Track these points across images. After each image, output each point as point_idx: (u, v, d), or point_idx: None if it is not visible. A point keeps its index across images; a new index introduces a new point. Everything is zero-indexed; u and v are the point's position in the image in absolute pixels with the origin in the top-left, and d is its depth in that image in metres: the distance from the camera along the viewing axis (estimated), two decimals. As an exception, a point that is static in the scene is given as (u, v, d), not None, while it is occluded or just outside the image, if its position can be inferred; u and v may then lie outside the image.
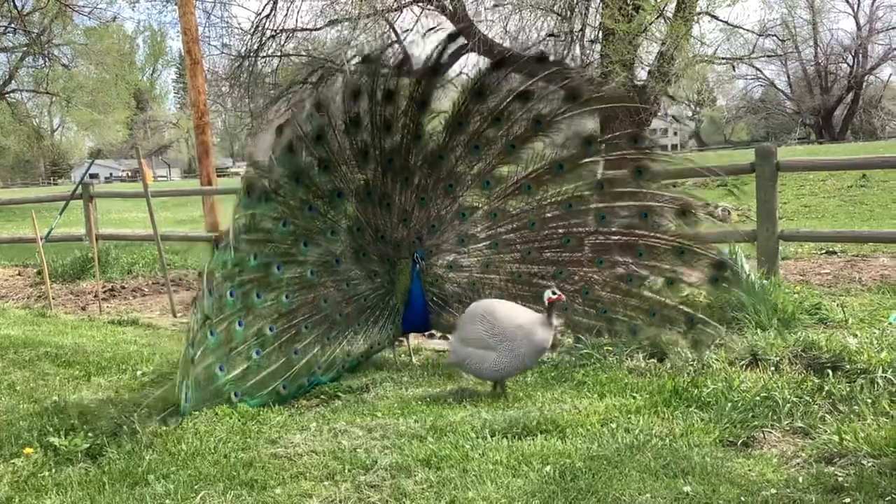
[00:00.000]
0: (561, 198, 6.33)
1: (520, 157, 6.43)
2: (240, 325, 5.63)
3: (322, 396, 5.75)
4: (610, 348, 6.16)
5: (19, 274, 13.95)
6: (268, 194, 5.91)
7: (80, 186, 13.15)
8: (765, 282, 7.44)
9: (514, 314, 5.46)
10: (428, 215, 6.43)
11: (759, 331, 6.48)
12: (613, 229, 6.22)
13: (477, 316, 5.50)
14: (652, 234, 6.10)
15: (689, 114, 67.16)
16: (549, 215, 6.35)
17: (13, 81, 40.53)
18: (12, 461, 4.63)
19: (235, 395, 5.49)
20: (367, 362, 6.61)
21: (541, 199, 6.38)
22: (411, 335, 7.05)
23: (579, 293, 6.25)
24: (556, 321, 5.40)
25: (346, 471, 4.27)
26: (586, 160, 6.29)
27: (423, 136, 6.35)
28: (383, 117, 6.22)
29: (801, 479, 3.88)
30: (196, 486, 4.16)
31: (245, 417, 5.22)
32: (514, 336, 5.31)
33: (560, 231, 6.31)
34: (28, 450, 4.75)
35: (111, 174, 79.62)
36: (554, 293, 5.26)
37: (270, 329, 5.78)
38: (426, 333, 7.52)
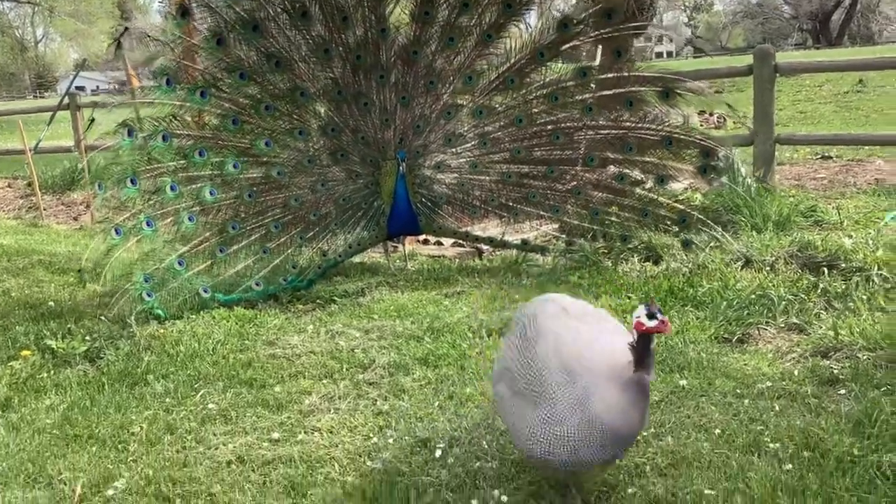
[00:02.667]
0: (546, 91, 6.14)
1: (498, 47, 6.20)
2: (190, 220, 5.68)
3: (318, 301, 5.75)
4: (605, 252, 6.15)
5: (9, 186, 13.83)
6: (203, 88, 5.81)
7: (66, 97, 12.90)
8: (760, 184, 7.40)
9: (578, 339, 2.72)
10: (411, 115, 6.27)
11: (754, 233, 6.46)
12: (601, 122, 6.08)
13: (521, 321, 2.94)
14: (640, 124, 5.97)
15: (685, 19, 65.89)
16: (535, 110, 6.18)
17: (-7, -9, 39.47)
18: (10, 364, 4.64)
19: (204, 290, 5.57)
20: (361, 268, 6.62)
21: (526, 93, 6.19)
22: (407, 241, 7.03)
23: (571, 194, 6.17)
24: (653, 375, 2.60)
25: (345, 370, 4.30)
26: (565, 46, 6.08)
27: (389, 28, 6.12)
28: (335, 7, 5.95)
29: (796, 372, 3.92)
30: (195, 385, 4.19)
31: (242, 321, 5.24)
32: (555, 393, 2.63)
33: (548, 127, 6.16)
34: (25, 352, 4.76)
35: (97, 87, 78.19)
36: (651, 314, 2.53)
37: (233, 227, 5.83)
38: (420, 239, 7.51)
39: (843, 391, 3.68)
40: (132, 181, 5.54)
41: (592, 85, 6.09)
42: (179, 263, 5.54)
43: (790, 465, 3.04)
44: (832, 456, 3.05)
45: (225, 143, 5.94)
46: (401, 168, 6.13)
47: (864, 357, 3.97)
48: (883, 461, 2.97)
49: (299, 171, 6.16)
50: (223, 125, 5.94)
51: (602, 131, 6.11)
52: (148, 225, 5.51)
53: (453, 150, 6.38)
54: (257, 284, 5.79)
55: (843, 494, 2.77)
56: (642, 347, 2.55)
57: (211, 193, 5.77)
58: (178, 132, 5.79)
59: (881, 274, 4.99)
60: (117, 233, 5.48)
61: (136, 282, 5.36)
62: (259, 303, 5.67)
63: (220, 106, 5.94)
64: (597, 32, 6.08)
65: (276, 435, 3.60)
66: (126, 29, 10.55)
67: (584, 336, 2.72)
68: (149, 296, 5.35)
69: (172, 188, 5.64)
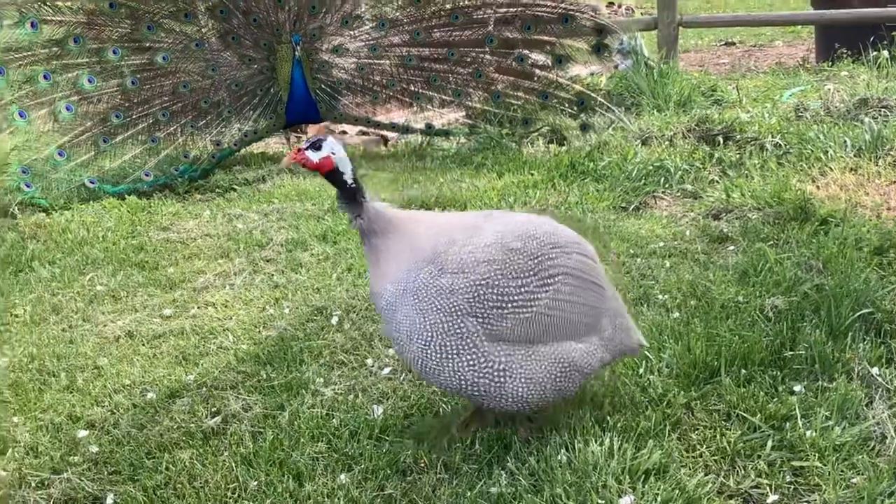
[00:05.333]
0: None
1: None
2: (68, 109, 5.43)
3: (217, 190, 5.59)
4: (509, 133, 6.11)
5: None
6: None
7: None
8: (663, 66, 7.43)
9: None
10: None
11: (656, 112, 6.52)
12: (500, 0, 5.95)
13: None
14: (537, 1, 5.80)
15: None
16: None
17: None
18: None
19: (91, 181, 5.39)
20: (263, 157, 6.45)
21: None
22: (310, 130, 6.85)
23: (473, 77, 6.07)
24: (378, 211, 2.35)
25: (241, 249, 4.20)
26: None
27: None
28: None
29: (688, 233, 4.00)
30: (84, 269, 4.05)
31: (135, 209, 5.07)
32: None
33: (447, 7, 5.98)
34: None
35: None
36: (316, 146, 2.34)
37: (116, 116, 5.58)
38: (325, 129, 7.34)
39: (731, 247, 3.77)
40: None
41: None
42: (60, 154, 5.34)
43: (677, 313, 3.12)
44: (717, 303, 3.14)
45: (102, 29, 5.62)
46: (296, 52, 5.91)
47: (754, 216, 4.07)
48: (765, 304, 3.07)
49: (187, 56, 5.88)
50: (101, 8, 5.59)
51: (500, 10, 5.98)
52: (21, 116, 5.28)
53: (351, 32, 6.17)
54: (147, 175, 5.60)
55: (726, 334, 2.84)
56: (339, 186, 2.34)
57: (90, 81, 5.49)
58: (48, 18, 5.45)
59: (774, 142, 5.10)
60: None
61: (12, 172, 5.19)
62: (154, 193, 5.48)
63: None
64: None
65: (167, 311, 3.51)
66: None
67: None
68: (28, 186, 5.18)
69: (46, 77, 5.36)
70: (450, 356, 2.23)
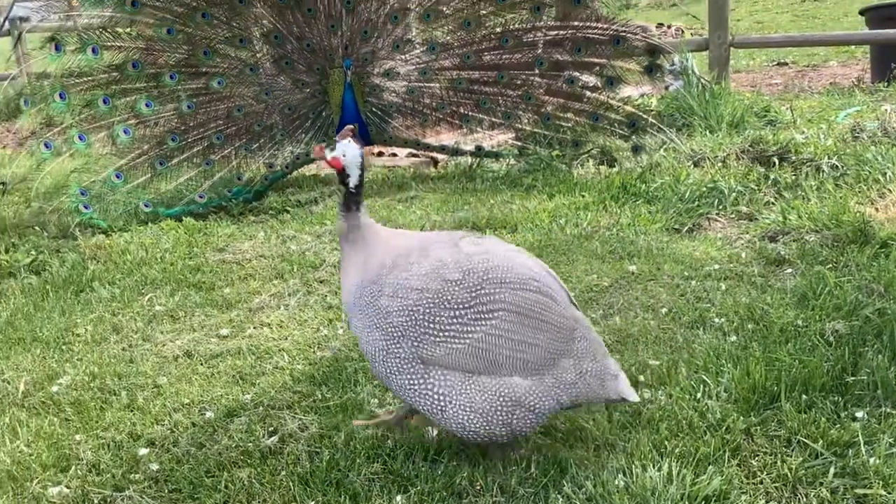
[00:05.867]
0: None
1: None
2: (126, 133, 5.55)
3: (270, 212, 5.66)
4: (560, 154, 6.11)
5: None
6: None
7: (5, 22, 12.42)
8: (715, 87, 7.37)
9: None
10: (358, 21, 6.04)
11: (708, 133, 6.47)
12: (550, 23, 5.95)
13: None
14: (588, 23, 5.82)
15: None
16: (483, 13, 5.99)
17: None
18: (-48, 278, 4.53)
19: (146, 205, 5.50)
20: (315, 179, 6.52)
21: None
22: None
23: (522, 99, 6.08)
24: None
25: (295, 270, 4.25)
26: None
27: None
28: None
29: (744, 255, 3.95)
30: (143, 290, 4.13)
31: (191, 231, 5.16)
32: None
33: (497, 30, 6.00)
34: (-33, 267, 4.64)
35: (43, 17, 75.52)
36: (332, 146, 2.47)
37: (173, 139, 5.68)
38: (375, 151, 7.40)
39: (789, 270, 3.72)
40: (61, 95, 5.40)
41: None
42: (117, 177, 5.46)
43: (734, 337, 3.08)
44: (776, 327, 3.09)
45: (160, 54, 5.76)
46: (348, 76, 5.99)
47: (812, 238, 4.01)
48: (826, 329, 3.01)
49: (242, 81, 5.99)
50: (159, 34, 5.73)
51: (550, 32, 5.99)
52: (80, 139, 5.43)
53: (402, 56, 6.22)
54: (201, 197, 5.70)
55: (786, 359, 2.80)
56: (345, 187, 2.46)
57: (147, 105, 5.61)
58: (109, 44, 5.60)
59: (831, 163, 5.02)
60: (47, 147, 5.39)
61: (72, 194, 5.33)
62: (209, 214, 5.58)
63: (153, 15, 5.72)
64: None
65: (224, 331, 3.56)
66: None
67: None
68: (86, 208, 5.31)
69: (105, 101, 5.50)
70: (392, 374, 2.35)
